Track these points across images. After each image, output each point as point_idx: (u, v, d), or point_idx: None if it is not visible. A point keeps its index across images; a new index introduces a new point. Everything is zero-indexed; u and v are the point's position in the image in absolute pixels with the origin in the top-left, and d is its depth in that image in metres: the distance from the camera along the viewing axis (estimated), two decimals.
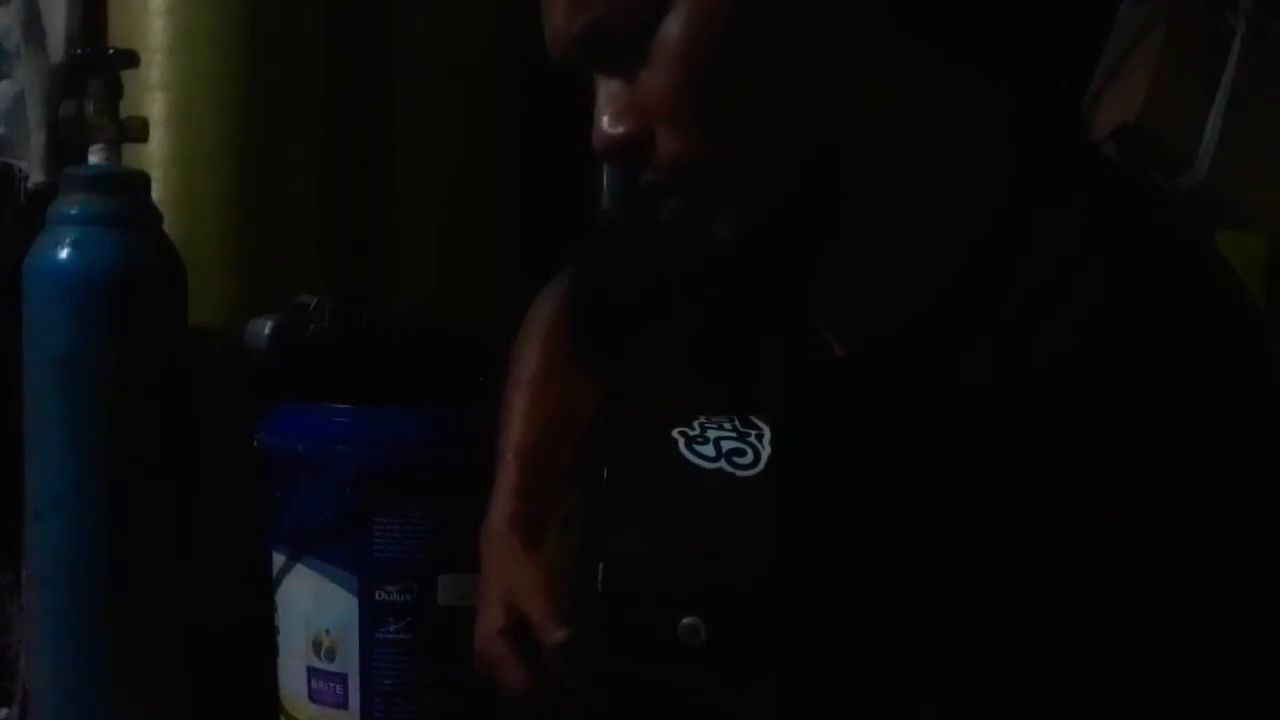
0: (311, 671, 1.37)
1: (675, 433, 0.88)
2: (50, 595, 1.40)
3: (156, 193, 1.44)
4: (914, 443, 0.87)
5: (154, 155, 1.49)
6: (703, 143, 0.86)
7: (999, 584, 0.83)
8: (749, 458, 0.87)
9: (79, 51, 1.51)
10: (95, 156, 1.41)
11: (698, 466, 0.87)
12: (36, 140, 1.60)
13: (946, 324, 0.86)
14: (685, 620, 0.83)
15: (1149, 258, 0.84)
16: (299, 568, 1.37)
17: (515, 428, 1.08)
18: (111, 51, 1.45)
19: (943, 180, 0.88)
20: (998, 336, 0.84)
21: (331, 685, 1.36)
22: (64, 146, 1.50)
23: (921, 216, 0.88)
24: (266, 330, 1.44)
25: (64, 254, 1.37)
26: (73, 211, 1.38)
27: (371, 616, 1.34)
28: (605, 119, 0.88)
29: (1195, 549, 0.80)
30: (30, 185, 1.61)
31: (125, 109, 1.42)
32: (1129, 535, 0.80)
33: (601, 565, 0.88)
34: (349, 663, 1.35)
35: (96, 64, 1.42)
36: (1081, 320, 0.82)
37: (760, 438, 0.87)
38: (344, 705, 1.36)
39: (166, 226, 1.42)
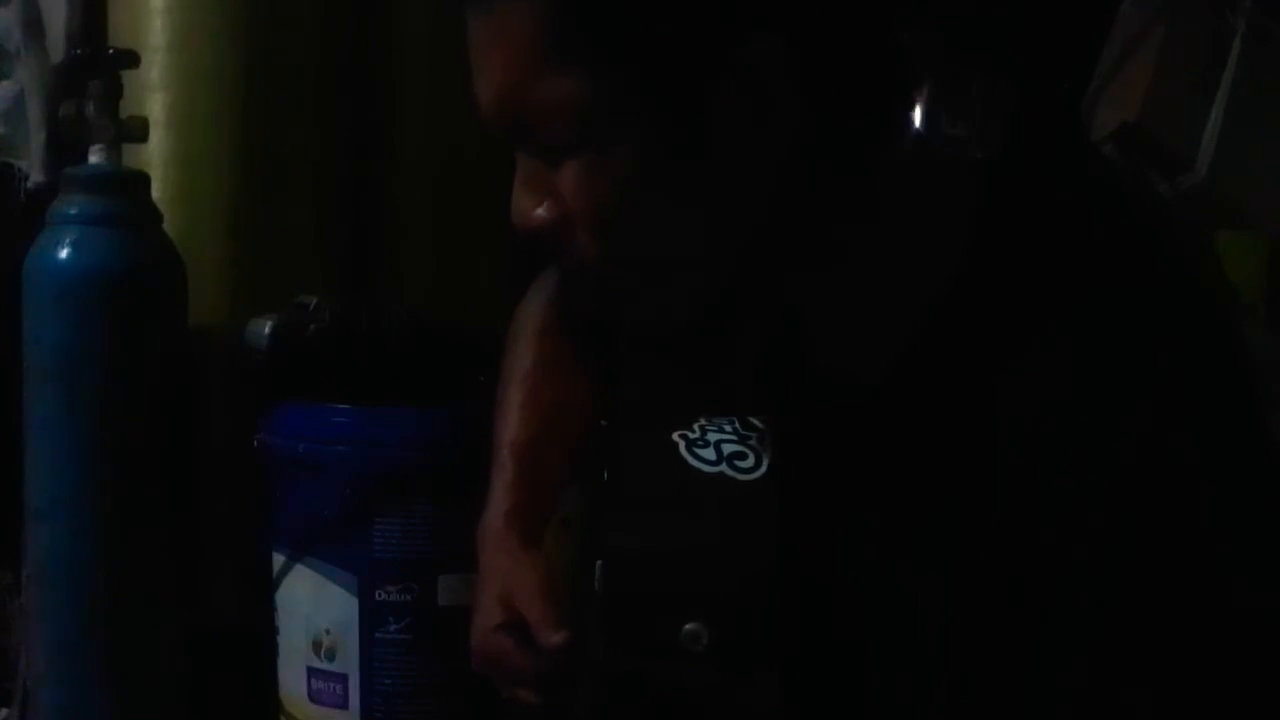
0: (311, 671, 1.37)
1: (676, 435, 0.88)
2: (50, 595, 1.40)
3: (156, 193, 1.44)
4: (908, 452, 0.87)
5: (154, 155, 1.48)
6: (622, 249, 0.86)
7: (992, 590, 0.83)
8: (750, 461, 0.87)
9: (79, 51, 1.51)
10: (95, 156, 1.41)
11: (699, 470, 0.86)
12: (36, 140, 1.61)
13: (938, 343, 0.86)
14: (688, 626, 0.83)
15: (1135, 280, 0.84)
16: (299, 568, 1.37)
17: (510, 423, 1.08)
18: (111, 51, 1.45)
19: (914, 215, 0.88)
20: (987, 354, 0.84)
21: (331, 685, 1.36)
22: (64, 146, 1.50)
23: (902, 247, 0.88)
24: (266, 330, 1.44)
25: (64, 254, 1.37)
26: (73, 211, 1.38)
27: (371, 616, 1.34)
28: (525, 199, 0.88)
29: (1186, 564, 0.80)
30: (30, 185, 1.61)
31: (125, 109, 1.42)
32: (1117, 549, 0.80)
33: (599, 565, 0.88)
34: (349, 663, 1.35)
35: (96, 64, 1.42)
36: (1067, 340, 0.83)
37: (762, 440, 0.87)
38: (344, 705, 1.36)
39: (166, 226, 1.42)
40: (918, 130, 0.87)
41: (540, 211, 0.87)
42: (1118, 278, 0.84)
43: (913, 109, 0.87)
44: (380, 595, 1.34)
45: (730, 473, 0.86)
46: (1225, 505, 0.81)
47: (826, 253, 0.88)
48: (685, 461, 0.87)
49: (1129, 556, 0.80)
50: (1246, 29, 1.76)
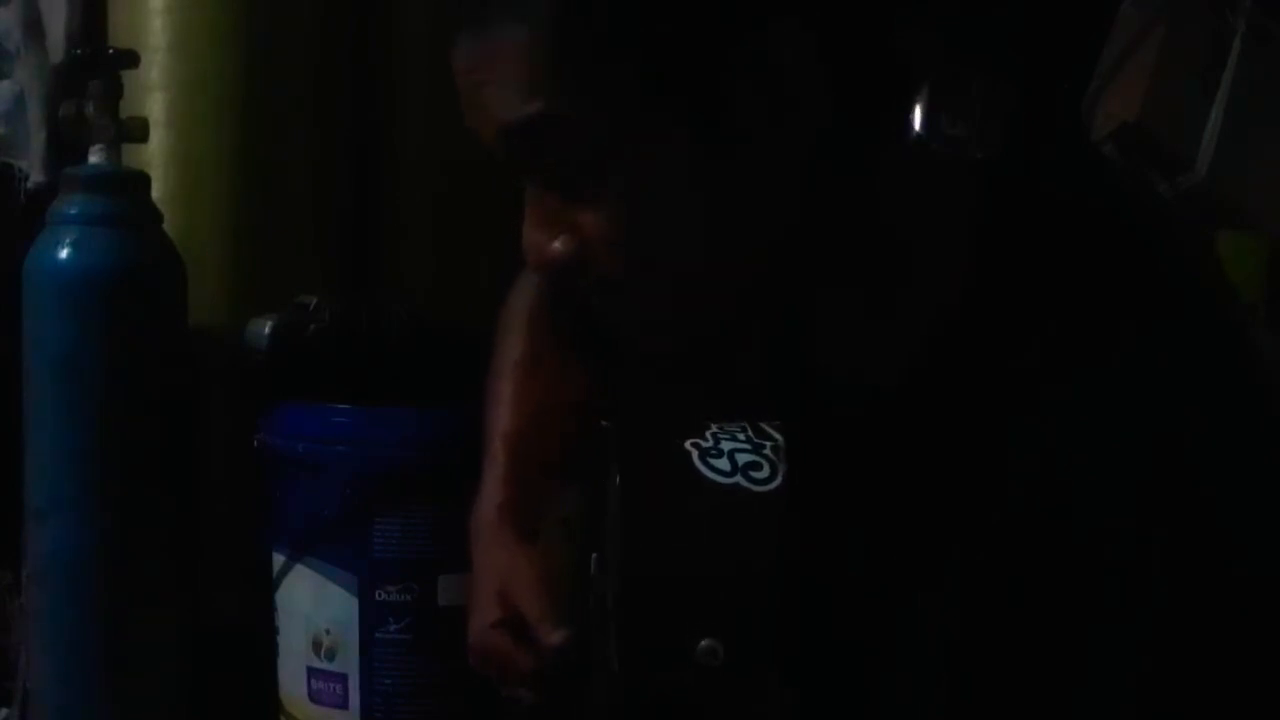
0: (311, 671, 1.37)
1: (689, 444, 0.87)
2: (50, 595, 1.39)
3: (156, 193, 1.44)
4: (911, 454, 0.87)
5: (154, 155, 1.48)
6: (646, 268, 0.86)
7: (994, 591, 0.83)
8: (765, 472, 0.85)
9: (79, 51, 1.51)
10: (95, 156, 1.41)
11: (714, 482, 0.85)
12: (36, 140, 1.61)
13: (939, 347, 0.86)
14: (704, 642, 0.82)
15: (1136, 281, 0.84)
16: (299, 568, 1.37)
17: (502, 415, 1.07)
18: (111, 51, 1.45)
19: (914, 216, 0.88)
20: (988, 356, 0.84)
21: (331, 685, 1.36)
22: (64, 146, 1.50)
23: (902, 248, 0.88)
24: (266, 330, 1.44)
25: (64, 254, 1.37)
26: (73, 211, 1.38)
27: (371, 616, 1.34)
28: (539, 235, 0.87)
29: (1200, 586, 0.80)
30: (30, 185, 1.61)
31: (125, 109, 1.42)
32: (1130, 567, 0.81)
33: (595, 558, 0.87)
34: (349, 663, 1.35)
35: (96, 64, 1.42)
36: (1068, 340, 0.83)
37: (775, 450, 0.86)
38: (344, 705, 1.36)
39: (166, 226, 1.42)
40: (918, 130, 0.87)
41: (558, 245, 0.86)
42: (1118, 279, 0.84)
43: (913, 109, 0.87)
44: (380, 595, 1.34)
45: (745, 484, 0.85)
46: (1239, 503, 0.81)
47: (827, 255, 0.88)
48: (699, 473, 0.85)
49: (1156, 559, 0.80)
50: (1246, 29, 1.76)
